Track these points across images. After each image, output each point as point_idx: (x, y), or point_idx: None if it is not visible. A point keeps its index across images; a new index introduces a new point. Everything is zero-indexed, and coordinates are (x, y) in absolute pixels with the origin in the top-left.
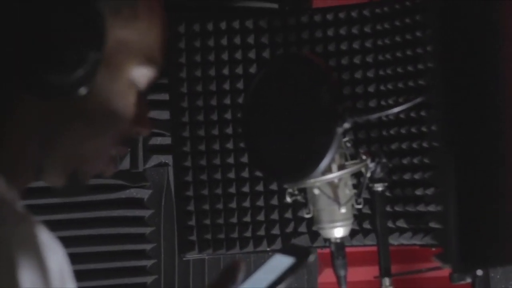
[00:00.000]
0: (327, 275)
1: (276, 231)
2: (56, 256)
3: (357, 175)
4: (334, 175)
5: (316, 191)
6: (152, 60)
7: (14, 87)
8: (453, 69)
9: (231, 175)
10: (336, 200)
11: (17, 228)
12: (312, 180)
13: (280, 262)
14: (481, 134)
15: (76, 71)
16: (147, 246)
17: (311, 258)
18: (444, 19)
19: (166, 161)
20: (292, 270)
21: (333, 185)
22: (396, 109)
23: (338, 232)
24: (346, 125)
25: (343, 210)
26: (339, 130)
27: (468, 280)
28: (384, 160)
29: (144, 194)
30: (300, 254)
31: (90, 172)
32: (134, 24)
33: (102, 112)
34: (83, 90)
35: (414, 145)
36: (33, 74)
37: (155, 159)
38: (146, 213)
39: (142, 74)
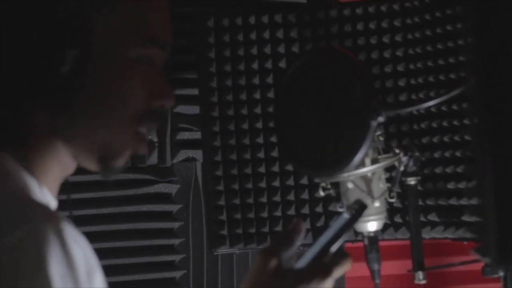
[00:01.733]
0: (355, 269)
1: (306, 225)
2: (82, 249)
3: (389, 169)
4: (368, 169)
5: (350, 185)
6: (150, 39)
7: (21, 94)
8: (490, 62)
9: (262, 169)
10: (370, 193)
11: (45, 224)
12: (346, 174)
13: (339, 220)
14: None
15: (62, 69)
16: (176, 241)
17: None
18: (481, 12)
19: (194, 156)
20: (347, 225)
21: (366, 179)
22: (431, 103)
23: (372, 226)
24: (380, 119)
25: (376, 204)
26: (373, 124)
27: (501, 273)
28: (417, 154)
29: (172, 189)
30: (356, 210)
31: (121, 153)
32: (120, 9)
33: (109, 98)
34: (78, 85)
35: (446, 139)
36: (28, 80)
37: (183, 154)
38: (174, 208)
39: (144, 53)
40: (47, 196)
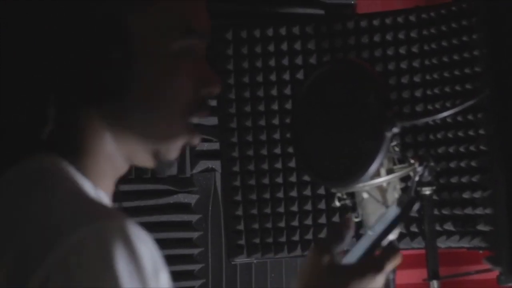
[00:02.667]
0: None
1: (323, 235)
2: (148, 248)
3: (405, 179)
4: (383, 179)
5: (365, 195)
6: (189, 29)
7: (70, 99)
8: (505, 72)
9: (279, 179)
10: (385, 203)
11: (108, 222)
12: (361, 184)
13: (389, 215)
14: None
15: (107, 73)
16: (195, 251)
17: (416, 206)
18: (491, 22)
19: (213, 167)
20: (398, 219)
21: (381, 189)
22: (445, 113)
23: None
24: (395, 130)
25: None
26: (388, 134)
27: None
28: (432, 164)
29: (191, 199)
30: (406, 204)
31: (172, 147)
32: (155, 4)
33: (157, 93)
34: (125, 86)
35: (461, 149)
36: (75, 85)
37: (202, 165)
38: (193, 218)
39: (185, 45)
40: (102, 198)
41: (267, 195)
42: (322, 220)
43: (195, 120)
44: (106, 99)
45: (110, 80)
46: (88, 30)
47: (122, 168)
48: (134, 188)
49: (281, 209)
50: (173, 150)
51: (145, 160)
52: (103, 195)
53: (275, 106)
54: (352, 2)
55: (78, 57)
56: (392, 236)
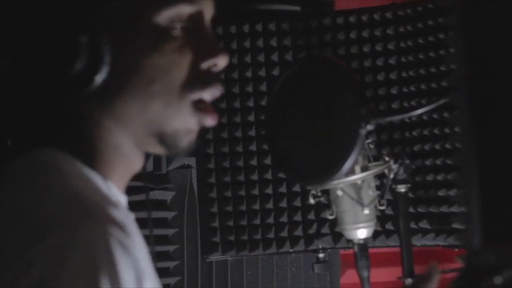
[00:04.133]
0: (349, 276)
1: (299, 232)
2: (130, 256)
3: (380, 176)
4: (357, 177)
5: (340, 193)
6: (163, 2)
7: (52, 92)
8: (477, 70)
9: (255, 177)
10: (360, 201)
11: (92, 226)
12: (335, 182)
13: None
14: (505, 134)
15: (80, 56)
16: (170, 248)
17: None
18: (468, 20)
19: (189, 163)
20: None
21: (356, 187)
22: (420, 111)
23: (362, 233)
24: (370, 127)
25: (366, 211)
26: (363, 131)
27: None
28: (407, 162)
29: (167, 196)
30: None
31: (181, 129)
32: None
33: (148, 71)
34: (105, 68)
35: (437, 147)
36: (51, 74)
37: (178, 161)
38: (169, 214)
39: (170, 15)
40: (113, 190)
41: (242, 192)
42: (298, 217)
43: (205, 96)
44: (88, 84)
45: (91, 62)
46: (54, 9)
47: (136, 160)
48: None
49: (256, 206)
50: (181, 133)
51: (153, 146)
52: (113, 186)
53: (250, 103)
54: None
55: (47, 40)
56: (365, 234)
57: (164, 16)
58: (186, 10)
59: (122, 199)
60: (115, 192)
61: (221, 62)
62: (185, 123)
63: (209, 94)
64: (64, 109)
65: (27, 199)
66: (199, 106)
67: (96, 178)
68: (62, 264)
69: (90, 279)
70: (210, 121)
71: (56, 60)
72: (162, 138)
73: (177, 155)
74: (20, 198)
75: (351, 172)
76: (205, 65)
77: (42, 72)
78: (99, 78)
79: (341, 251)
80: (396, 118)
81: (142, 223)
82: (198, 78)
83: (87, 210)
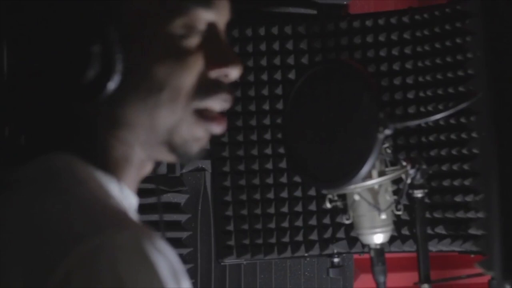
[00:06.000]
0: (362, 281)
1: (314, 236)
2: (165, 258)
3: (396, 181)
4: (375, 181)
5: (357, 197)
6: (177, 10)
7: (61, 97)
8: (498, 75)
9: (270, 180)
10: (377, 206)
11: (121, 233)
12: (353, 186)
13: None
14: None
15: (93, 63)
16: (184, 251)
17: None
18: (490, 26)
19: (203, 166)
20: None
21: (373, 191)
22: (439, 116)
23: (378, 238)
24: (388, 131)
25: (383, 216)
26: (381, 136)
27: (507, 287)
28: (424, 167)
29: (181, 198)
30: None
31: (190, 136)
32: None
33: (151, 82)
34: (117, 74)
35: (454, 152)
36: (62, 83)
37: (192, 164)
38: (183, 217)
39: (179, 27)
40: (127, 193)
41: (257, 196)
42: (313, 221)
43: (211, 105)
44: (104, 87)
45: (104, 66)
46: (67, 13)
47: (145, 166)
48: None
49: (272, 210)
50: (190, 141)
51: (163, 154)
52: (127, 190)
53: (266, 106)
54: (345, 2)
55: (60, 45)
56: (381, 239)
57: (179, 24)
58: (200, 17)
59: (134, 201)
60: (130, 195)
61: (232, 72)
62: (192, 131)
63: (216, 104)
64: (76, 115)
65: (47, 208)
66: (204, 115)
67: (110, 182)
68: (106, 273)
69: (136, 284)
70: (216, 128)
71: (69, 67)
72: (172, 147)
73: (189, 161)
74: (40, 207)
75: (369, 176)
76: (213, 74)
77: (55, 78)
78: (111, 85)
79: (355, 256)
80: (415, 122)
81: (155, 226)
82: (204, 87)
83: (114, 217)
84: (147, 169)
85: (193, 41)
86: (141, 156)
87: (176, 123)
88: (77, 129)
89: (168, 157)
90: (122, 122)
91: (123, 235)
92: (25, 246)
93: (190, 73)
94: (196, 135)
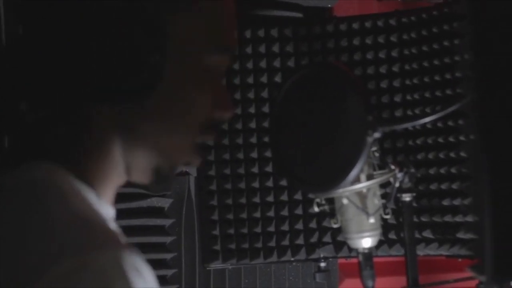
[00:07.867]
0: (347, 285)
1: (300, 241)
2: (143, 279)
3: (384, 185)
4: (364, 185)
5: (345, 201)
6: (220, 46)
7: (86, 99)
8: (488, 78)
9: (256, 184)
10: (365, 210)
11: (102, 253)
12: (341, 190)
13: None
14: None
15: (140, 75)
16: (168, 256)
17: None
18: (479, 28)
19: (187, 170)
20: None
21: (361, 195)
22: (427, 119)
23: (366, 242)
24: (377, 135)
25: (371, 220)
26: (370, 139)
27: None
28: (412, 170)
29: (165, 203)
30: None
31: (175, 165)
32: (196, 15)
33: (176, 107)
34: (150, 92)
35: (441, 155)
36: (100, 84)
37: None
38: (167, 222)
39: (213, 62)
40: (105, 207)
41: (243, 200)
42: (299, 226)
43: (199, 141)
44: (128, 97)
45: (139, 77)
46: (127, 26)
47: (122, 178)
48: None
49: (257, 214)
50: (173, 169)
51: (142, 174)
52: (105, 203)
53: (252, 109)
54: (329, 5)
55: (110, 51)
56: (370, 243)
57: (215, 59)
58: (226, 60)
59: (111, 213)
60: (107, 209)
61: (228, 115)
62: (182, 160)
63: (209, 139)
64: (74, 115)
65: (28, 222)
66: (196, 148)
67: (91, 195)
68: None
69: None
70: (197, 163)
71: (116, 68)
72: (157, 170)
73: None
74: (21, 221)
75: (357, 180)
76: (218, 115)
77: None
78: (149, 94)
79: (339, 260)
80: (404, 126)
81: (138, 231)
82: (208, 124)
83: (95, 235)
84: (122, 182)
85: (214, 79)
86: (122, 171)
87: (176, 150)
88: (73, 136)
89: (144, 179)
90: (126, 137)
91: (104, 256)
92: (4, 260)
93: (206, 110)
94: (180, 164)
